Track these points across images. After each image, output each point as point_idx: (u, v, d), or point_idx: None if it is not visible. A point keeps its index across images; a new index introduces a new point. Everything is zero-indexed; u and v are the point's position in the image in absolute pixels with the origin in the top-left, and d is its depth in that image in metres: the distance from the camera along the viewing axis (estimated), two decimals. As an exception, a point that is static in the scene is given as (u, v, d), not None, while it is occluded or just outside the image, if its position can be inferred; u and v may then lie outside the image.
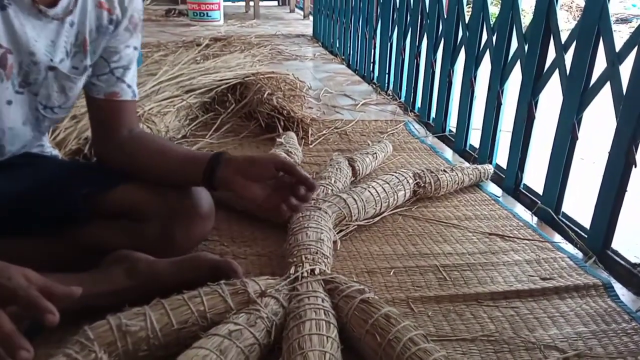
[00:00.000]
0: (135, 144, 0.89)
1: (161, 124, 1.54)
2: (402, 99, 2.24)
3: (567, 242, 1.11)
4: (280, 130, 1.66)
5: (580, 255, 1.06)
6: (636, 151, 0.97)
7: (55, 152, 1.01)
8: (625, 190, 1.01)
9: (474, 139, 1.66)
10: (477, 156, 1.58)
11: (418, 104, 2.10)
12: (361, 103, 2.17)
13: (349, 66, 2.95)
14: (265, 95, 1.77)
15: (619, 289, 0.95)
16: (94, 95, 0.87)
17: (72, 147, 1.32)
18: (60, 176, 0.87)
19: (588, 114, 1.14)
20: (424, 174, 1.25)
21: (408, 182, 1.22)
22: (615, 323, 0.85)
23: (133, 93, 0.89)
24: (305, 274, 0.83)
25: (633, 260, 1.03)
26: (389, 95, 2.34)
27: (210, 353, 0.64)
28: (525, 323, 0.84)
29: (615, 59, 1.03)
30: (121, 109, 0.88)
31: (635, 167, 0.98)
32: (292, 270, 0.85)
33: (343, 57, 3.09)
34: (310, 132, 1.70)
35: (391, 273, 0.96)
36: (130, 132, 0.90)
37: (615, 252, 1.05)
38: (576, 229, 1.16)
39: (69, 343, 0.65)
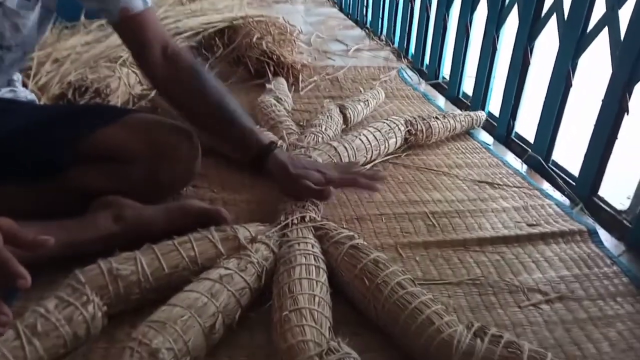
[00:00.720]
0: (170, 71, 0.86)
1: (147, 68, 1.50)
2: (396, 45, 2.19)
3: (555, 190, 1.13)
4: (270, 76, 1.62)
5: (567, 202, 1.08)
6: (630, 98, 0.97)
7: (32, 96, 0.98)
8: (616, 138, 1.01)
9: (468, 86, 1.63)
10: (470, 104, 1.56)
11: (412, 50, 2.06)
12: (353, 49, 2.12)
13: (341, 10, 2.86)
14: (254, 39, 1.72)
15: (603, 234, 0.97)
16: (111, 22, 0.84)
17: (55, 92, 1.28)
18: (39, 121, 0.85)
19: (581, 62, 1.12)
20: (415, 121, 1.24)
21: (399, 129, 1.21)
22: (597, 267, 0.87)
23: (144, 1, 0.83)
24: (296, 221, 0.84)
25: (619, 207, 1.05)
26: (382, 40, 2.28)
27: (201, 296, 0.65)
28: (510, 267, 0.86)
29: (615, 2, 1.00)
30: (141, 24, 0.84)
31: (628, 114, 0.97)
32: (282, 217, 0.85)
33: (335, 1, 2.99)
34: (300, 78, 1.66)
35: (381, 220, 0.97)
36: (165, 50, 0.86)
37: (602, 199, 1.07)
38: (565, 176, 1.17)
39: (60, 286, 0.66)
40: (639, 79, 0.95)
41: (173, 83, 0.87)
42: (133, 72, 1.44)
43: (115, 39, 1.58)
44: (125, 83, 1.38)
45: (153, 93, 1.36)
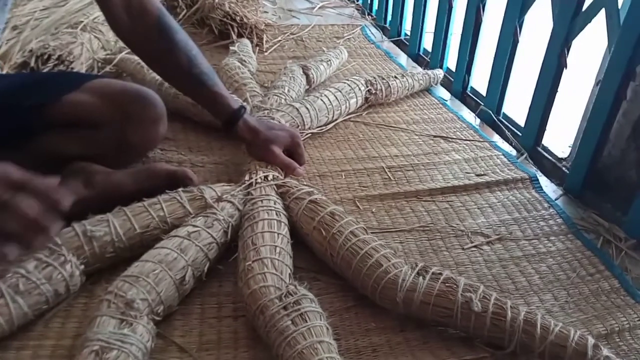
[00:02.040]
0: (136, 29, 0.84)
1: (109, 33, 1.49)
2: (360, 2, 2.20)
3: (504, 141, 1.20)
4: (234, 37, 1.63)
5: (514, 152, 1.16)
6: (568, 54, 1.03)
7: (-7, 66, 0.99)
8: (557, 91, 1.08)
9: (428, 43, 1.67)
10: (429, 60, 1.61)
11: (375, 6, 2.07)
12: (318, 6, 2.12)
13: (306, -35, 2.81)
14: (216, 0, 1.71)
15: (544, 181, 1.06)
16: None
17: (17, 61, 1.28)
18: (3, 91, 0.87)
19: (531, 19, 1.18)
20: (375, 81, 1.29)
21: (360, 89, 1.25)
22: (535, 210, 0.96)
23: None
24: (260, 180, 0.89)
25: (560, 155, 1.13)
26: (346, -3, 2.28)
27: (171, 252, 0.71)
28: (457, 214, 0.94)
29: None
30: None
31: (566, 68, 1.04)
32: (246, 177, 0.90)
33: (300, -45, 2.93)
34: (265, 39, 1.68)
35: (341, 176, 1.03)
36: (128, 4, 0.83)
37: (545, 149, 1.15)
38: (513, 128, 1.24)
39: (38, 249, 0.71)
40: (577, 34, 1.01)
41: (140, 41, 0.87)
42: (95, 37, 1.43)
43: (74, 3, 1.56)
44: (89, 49, 1.38)
45: (118, 58, 1.36)
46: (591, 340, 0.62)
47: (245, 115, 0.92)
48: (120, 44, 1.52)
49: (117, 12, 0.84)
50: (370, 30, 1.88)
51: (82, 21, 1.44)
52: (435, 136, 1.20)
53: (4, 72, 1.20)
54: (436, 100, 1.37)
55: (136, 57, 1.26)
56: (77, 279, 0.71)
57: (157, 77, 1.16)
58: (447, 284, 0.68)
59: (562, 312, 0.74)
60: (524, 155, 1.14)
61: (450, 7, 1.47)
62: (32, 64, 1.26)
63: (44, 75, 1.09)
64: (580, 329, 0.69)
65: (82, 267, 0.72)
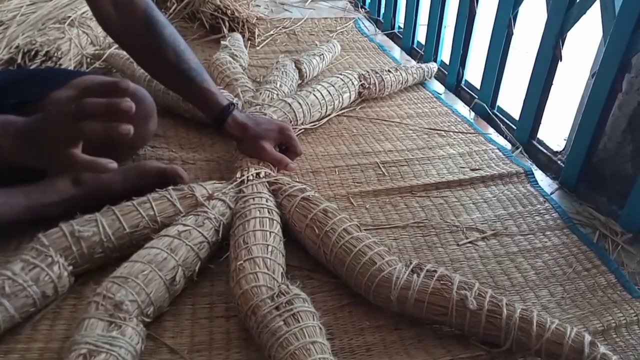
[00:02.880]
0: (123, 24, 0.82)
1: (98, 28, 1.46)
2: (353, -6, 2.18)
3: (499, 135, 1.19)
4: (225, 32, 1.61)
5: (509, 146, 1.15)
6: (562, 45, 1.02)
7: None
8: (552, 84, 1.07)
9: (422, 36, 1.66)
10: (423, 53, 1.60)
11: (368, -1, 2.05)
12: (311, -1, 2.10)
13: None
14: (207, -7, 1.69)
15: (539, 175, 1.05)
16: None
17: (3, 57, 1.25)
18: None
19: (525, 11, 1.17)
20: (368, 75, 1.27)
21: (353, 83, 1.24)
22: (530, 205, 0.95)
23: None
24: (251, 177, 0.88)
25: (556, 148, 1.12)
26: (339, -10, 2.26)
27: (161, 252, 0.70)
28: (452, 209, 0.93)
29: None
30: None
31: (561, 61, 1.03)
32: (238, 175, 0.89)
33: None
34: (257, 33, 1.66)
35: (334, 172, 1.02)
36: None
37: (540, 142, 1.14)
38: (508, 121, 1.23)
39: (25, 250, 0.69)
40: (571, 26, 1.00)
41: (127, 36, 0.85)
42: (84, 32, 1.41)
43: (61, -2, 1.53)
44: (77, 44, 1.36)
45: (107, 53, 1.34)
46: (588, 338, 0.61)
47: (235, 112, 0.91)
48: (110, 39, 1.49)
49: (104, 6, 0.82)
50: (363, 24, 1.87)
51: (70, 16, 1.41)
52: (429, 129, 1.18)
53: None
54: (430, 94, 1.36)
55: (125, 53, 1.24)
56: (65, 281, 0.70)
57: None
58: (441, 282, 0.67)
59: (558, 309, 0.73)
60: (519, 149, 1.13)
61: (444, 0, 1.45)
62: (19, 60, 1.23)
63: (31, 72, 1.07)
64: (576, 325, 0.68)
65: (70, 268, 0.70)
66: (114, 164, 0.62)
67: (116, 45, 1.35)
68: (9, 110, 0.83)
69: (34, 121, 0.63)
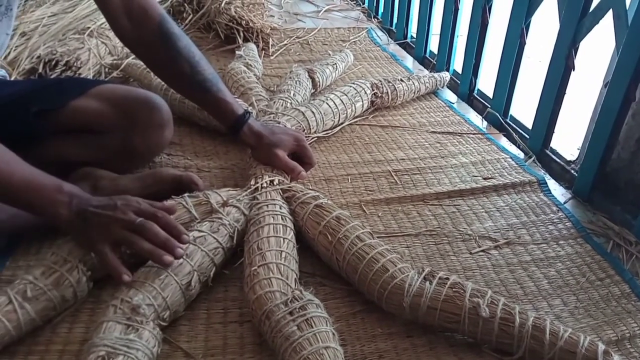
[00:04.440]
0: (138, 35, 0.84)
1: (116, 39, 1.50)
2: (365, 5, 2.20)
3: (511, 144, 1.19)
4: (240, 42, 1.63)
5: (522, 155, 1.15)
6: (575, 55, 1.02)
7: (2, 72, 1.00)
8: (564, 93, 1.08)
9: (435, 45, 1.67)
10: (436, 63, 1.61)
11: (381, 9, 2.07)
12: (324, 10, 2.12)
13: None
14: (222, 4, 1.72)
15: (552, 184, 1.05)
16: None
17: (25, 67, 1.29)
18: (12, 97, 0.87)
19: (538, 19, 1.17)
20: (381, 84, 1.28)
21: (366, 92, 1.25)
22: (544, 214, 0.95)
23: None
24: (265, 185, 0.89)
25: (569, 157, 1.12)
26: (352, 0, 2.28)
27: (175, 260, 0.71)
28: (465, 218, 0.93)
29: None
30: None
31: (574, 70, 1.03)
32: (252, 182, 0.90)
33: (306, -41, 2.94)
34: (270, 43, 1.68)
35: (347, 180, 1.03)
36: (129, 10, 0.83)
37: (554, 151, 1.14)
38: (520, 130, 1.23)
39: (46, 255, 0.71)
40: (584, 36, 1.00)
41: (142, 48, 0.88)
42: (102, 42, 1.44)
43: (81, 10, 1.57)
44: (96, 54, 1.39)
45: (124, 63, 1.37)
46: (601, 347, 0.61)
47: (250, 120, 0.92)
48: (127, 49, 1.53)
49: (119, 19, 0.84)
50: (376, 33, 1.88)
51: (89, 27, 1.45)
52: (442, 132, 1.19)
53: (13, 78, 1.21)
54: (443, 103, 1.36)
55: (142, 63, 1.26)
56: (84, 285, 0.71)
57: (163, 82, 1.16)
58: (454, 289, 0.68)
59: (571, 318, 0.73)
60: (532, 158, 1.13)
61: (457, 9, 1.46)
62: (40, 69, 1.27)
63: (52, 81, 1.11)
64: (590, 334, 0.68)
65: (89, 273, 0.72)
66: (128, 278, 0.68)
67: (134, 55, 1.38)
68: (31, 117, 0.86)
69: (97, 206, 0.69)
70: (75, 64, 1.30)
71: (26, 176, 0.66)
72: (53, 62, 1.28)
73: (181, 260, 0.71)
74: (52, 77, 1.25)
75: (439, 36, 1.57)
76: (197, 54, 0.88)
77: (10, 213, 0.76)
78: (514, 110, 1.29)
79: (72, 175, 0.87)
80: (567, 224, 0.93)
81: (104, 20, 1.52)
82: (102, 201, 0.70)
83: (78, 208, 0.68)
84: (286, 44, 1.72)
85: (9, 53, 1.31)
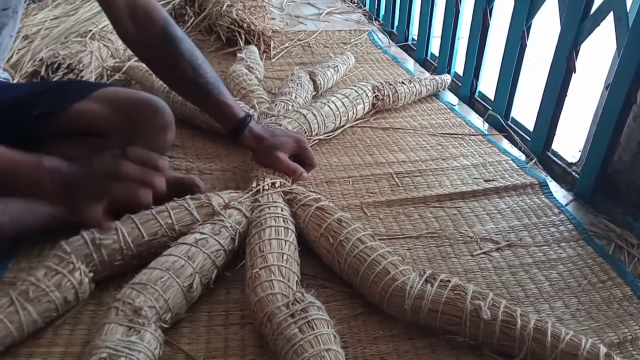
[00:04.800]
0: (141, 37, 0.85)
1: (118, 41, 1.51)
2: (367, 7, 2.20)
3: (513, 146, 1.19)
4: (242, 44, 1.64)
5: (523, 157, 1.15)
6: (576, 58, 1.02)
7: (5, 75, 1.00)
8: (566, 95, 1.08)
9: (436, 48, 1.67)
10: (437, 65, 1.61)
11: (382, 12, 2.07)
12: (325, 12, 2.13)
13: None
14: (224, 7, 1.72)
15: (554, 186, 1.05)
16: None
17: (27, 70, 1.30)
18: (15, 100, 0.88)
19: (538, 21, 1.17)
20: (382, 86, 1.28)
21: (367, 95, 1.25)
22: (545, 216, 0.95)
23: None
24: (267, 187, 0.89)
25: (571, 159, 1.12)
26: (353, 3, 2.29)
27: (179, 259, 0.71)
28: (466, 220, 0.93)
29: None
30: None
31: (575, 72, 1.03)
32: (254, 184, 0.90)
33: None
34: (272, 45, 1.68)
35: (348, 182, 1.03)
36: (134, 13, 0.84)
37: (555, 153, 1.14)
38: (522, 132, 1.23)
39: (48, 257, 0.72)
40: (585, 38, 1.00)
41: (146, 50, 0.88)
42: (104, 45, 1.45)
43: (84, 13, 1.58)
44: (98, 57, 1.40)
45: (126, 66, 1.38)
46: (603, 349, 0.61)
47: (251, 124, 0.93)
48: (129, 52, 1.54)
49: (123, 21, 0.85)
50: (377, 36, 1.89)
51: (91, 30, 1.46)
52: (443, 134, 1.19)
53: (15, 81, 1.21)
54: (444, 105, 1.36)
55: (144, 65, 1.27)
56: (86, 287, 0.71)
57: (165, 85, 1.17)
58: (455, 292, 0.68)
59: (573, 320, 0.73)
60: (534, 160, 1.13)
61: (457, 12, 1.47)
62: (43, 72, 1.28)
63: (54, 84, 1.11)
64: (591, 337, 0.68)
65: (91, 274, 0.72)
66: (108, 225, 0.68)
67: (135, 58, 1.39)
68: (33, 120, 0.86)
69: (75, 171, 0.67)
70: (77, 67, 1.31)
71: (5, 158, 0.66)
72: (55, 65, 1.28)
73: (183, 262, 0.71)
74: (55, 80, 1.25)
75: (440, 38, 1.57)
76: (199, 57, 0.88)
77: (12, 216, 0.76)
78: (515, 113, 1.29)
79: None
80: (568, 226, 0.93)
81: (105, 23, 1.53)
82: (80, 165, 0.68)
83: (60, 181, 0.66)
84: (287, 47, 1.73)
85: (11, 56, 1.32)
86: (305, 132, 1.11)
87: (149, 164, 0.67)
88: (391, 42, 1.87)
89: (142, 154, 0.68)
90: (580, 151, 1.13)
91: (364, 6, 2.21)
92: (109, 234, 0.68)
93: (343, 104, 1.19)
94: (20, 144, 0.85)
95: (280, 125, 1.06)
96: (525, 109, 1.30)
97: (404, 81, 1.33)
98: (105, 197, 0.66)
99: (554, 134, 1.13)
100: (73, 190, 0.66)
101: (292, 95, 1.22)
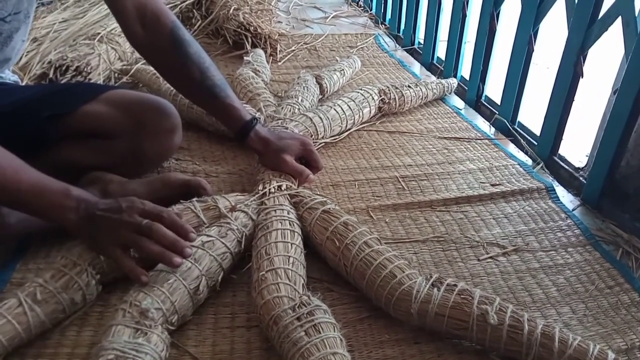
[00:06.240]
0: (150, 40, 0.86)
1: (126, 44, 1.52)
2: (373, 11, 2.21)
3: (519, 151, 1.19)
4: (248, 48, 1.64)
5: (530, 162, 1.15)
6: (584, 62, 1.02)
7: (15, 77, 1.01)
8: (573, 100, 1.07)
9: (442, 51, 1.67)
10: (443, 69, 1.61)
11: (388, 15, 2.08)
12: (332, 16, 2.13)
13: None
14: (231, 10, 1.73)
15: (561, 191, 1.04)
16: None
17: (36, 72, 1.31)
18: (24, 102, 0.88)
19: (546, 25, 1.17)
20: (388, 90, 1.29)
21: (373, 98, 1.25)
22: (552, 221, 0.95)
23: None
24: (273, 190, 0.90)
25: (578, 164, 1.12)
26: (360, 6, 2.29)
27: (185, 261, 0.71)
28: (472, 224, 0.93)
29: (572, -32, 1.04)
30: None
31: (582, 77, 1.03)
32: (260, 187, 0.91)
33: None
34: (278, 49, 1.69)
35: (354, 185, 1.03)
36: (143, 16, 0.85)
37: (562, 158, 1.13)
38: (528, 137, 1.23)
39: (55, 259, 0.72)
40: (593, 43, 1.00)
41: (154, 53, 0.89)
42: (112, 48, 1.46)
43: (92, 16, 1.59)
44: (106, 60, 1.41)
45: (134, 68, 1.39)
46: (611, 355, 0.60)
47: (257, 127, 0.93)
48: (137, 54, 1.54)
49: (132, 24, 0.86)
50: (383, 39, 1.89)
51: (99, 33, 1.47)
52: (449, 137, 1.19)
53: (24, 83, 1.22)
54: (450, 109, 1.36)
55: (152, 68, 1.28)
56: (93, 289, 0.72)
57: (172, 87, 1.17)
58: (462, 296, 0.67)
59: (580, 326, 0.73)
60: (540, 165, 1.12)
61: (464, 16, 1.47)
62: (51, 75, 1.28)
63: (62, 86, 1.12)
64: (599, 343, 0.67)
65: (98, 276, 0.72)
66: (146, 279, 0.68)
67: (143, 61, 1.40)
68: (42, 122, 0.87)
69: (103, 209, 0.69)
70: (85, 69, 1.32)
71: (34, 182, 0.67)
72: (64, 68, 1.29)
73: (189, 264, 0.71)
74: (63, 82, 1.26)
75: (446, 42, 1.57)
76: (207, 61, 0.89)
77: (20, 217, 0.76)
78: (522, 117, 1.29)
79: (82, 179, 0.88)
80: (575, 231, 0.92)
81: (113, 26, 1.54)
82: (109, 204, 0.70)
83: (86, 212, 0.68)
84: (294, 50, 1.73)
85: (20, 58, 1.33)
86: (312, 135, 1.11)
87: (182, 234, 0.69)
88: (397, 45, 1.87)
89: (176, 222, 0.70)
90: (587, 156, 1.12)
91: (371, 10, 2.22)
92: (142, 283, 0.68)
93: (349, 107, 1.19)
94: (29, 145, 0.86)
95: (287, 128, 1.06)
96: (532, 113, 1.30)
97: (410, 85, 1.33)
98: (132, 248, 0.69)
99: (561, 139, 1.12)
100: (98, 228, 0.68)
101: (298, 99, 1.22)
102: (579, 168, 1.10)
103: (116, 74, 1.42)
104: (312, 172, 0.95)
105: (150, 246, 0.67)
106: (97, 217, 0.68)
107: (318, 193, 0.93)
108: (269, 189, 0.89)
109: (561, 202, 1.00)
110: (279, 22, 1.98)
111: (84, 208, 0.69)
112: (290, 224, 0.81)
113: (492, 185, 1.04)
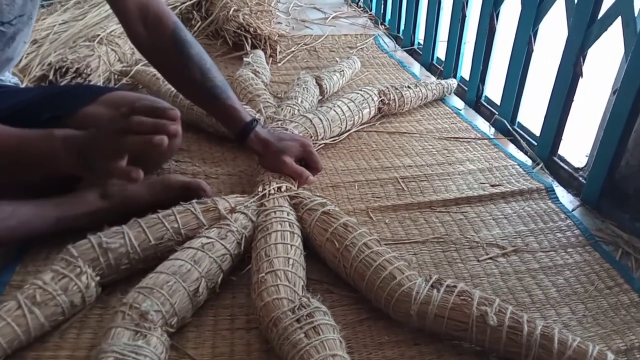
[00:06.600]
0: (152, 41, 0.87)
1: (125, 45, 1.52)
2: (373, 11, 2.21)
3: (519, 151, 1.19)
4: (248, 49, 1.64)
5: (529, 162, 1.15)
6: (583, 62, 1.02)
7: (15, 79, 1.01)
8: (572, 100, 1.07)
9: (442, 52, 1.67)
10: (443, 69, 1.61)
11: (388, 16, 2.08)
12: (331, 16, 2.13)
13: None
14: (230, 12, 1.73)
15: (561, 191, 1.04)
16: None
17: (36, 74, 1.31)
18: (24, 104, 0.89)
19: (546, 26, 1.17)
20: (388, 91, 1.29)
21: (373, 99, 1.25)
22: (552, 222, 0.95)
23: None
24: (273, 191, 0.90)
25: (577, 165, 1.11)
26: (360, 7, 2.29)
27: (185, 263, 0.72)
28: (472, 225, 0.93)
29: (571, -31, 1.04)
30: None
31: (582, 77, 1.03)
32: (260, 188, 0.91)
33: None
34: (278, 50, 1.69)
35: (354, 186, 1.03)
36: (145, 17, 0.85)
37: (562, 158, 1.13)
38: (528, 137, 1.23)
39: (55, 261, 0.72)
40: (592, 43, 1.00)
41: (156, 54, 0.90)
42: (112, 50, 1.46)
43: (92, 18, 1.59)
44: (105, 61, 1.41)
45: (134, 70, 1.39)
46: (611, 356, 0.60)
47: (257, 128, 0.93)
48: (137, 56, 1.55)
49: (134, 25, 0.86)
50: (383, 40, 1.89)
51: (99, 34, 1.47)
52: (449, 138, 1.19)
53: (24, 85, 1.22)
54: (450, 110, 1.36)
55: (152, 69, 1.28)
56: (92, 290, 0.72)
57: (172, 88, 1.17)
58: (461, 297, 0.67)
59: (579, 327, 0.73)
60: (540, 165, 1.12)
61: (464, 16, 1.47)
62: (51, 76, 1.29)
63: (62, 88, 1.12)
64: (598, 344, 0.67)
65: (98, 278, 0.72)
66: (137, 174, 0.66)
67: (143, 63, 1.40)
68: (42, 124, 0.87)
69: (87, 135, 0.68)
70: (85, 71, 1.32)
71: (19, 136, 0.68)
72: (63, 69, 1.29)
73: (189, 266, 0.71)
74: (63, 84, 1.26)
75: (446, 43, 1.57)
76: (208, 62, 0.89)
77: (21, 219, 0.76)
78: (522, 117, 1.28)
79: (82, 182, 0.88)
80: (575, 231, 0.92)
81: (113, 27, 1.54)
82: (90, 130, 0.69)
83: (72, 144, 0.67)
84: (294, 51, 1.73)
85: (20, 60, 1.33)
86: (311, 136, 1.11)
87: (159, 114, 0.65)
88: (397, 46, 1.87)
89: (150, 106, 0.66)
90: (587, 156, 1.12)
91: (370, 10, 2.22)
92: (141, 182, 0.66)
93: (349, 108, 1.19)
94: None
95: (286, 129, 1.06)
96: (532, 114, 1.30)
97: (410, 85, 1.33)
98: (123, 153, 0.66)
99: (561, 139, 1.12)
100: (88, 153, 0.67)
101: (298, 100, 1.22)
102: (578, 168, 1.10)
103: (116, 76, 1.42)
104: (311, 174, 0.95)
105: (135, 139, 0.64)
106: (84, 144, 0.67)
107: (318, 194, 0.93)
108: (269, 191, 0.89)
109: (561, 203, 1.00)
110: (278, 23, 1.99)
111: (71, 144, 0.68)
112: (290, 226, 0.81)
113: (492, 185, 1.04)
